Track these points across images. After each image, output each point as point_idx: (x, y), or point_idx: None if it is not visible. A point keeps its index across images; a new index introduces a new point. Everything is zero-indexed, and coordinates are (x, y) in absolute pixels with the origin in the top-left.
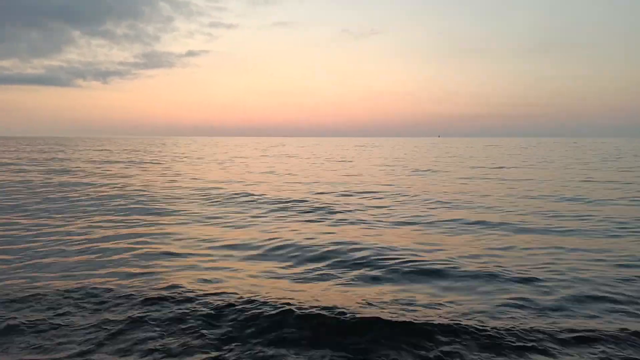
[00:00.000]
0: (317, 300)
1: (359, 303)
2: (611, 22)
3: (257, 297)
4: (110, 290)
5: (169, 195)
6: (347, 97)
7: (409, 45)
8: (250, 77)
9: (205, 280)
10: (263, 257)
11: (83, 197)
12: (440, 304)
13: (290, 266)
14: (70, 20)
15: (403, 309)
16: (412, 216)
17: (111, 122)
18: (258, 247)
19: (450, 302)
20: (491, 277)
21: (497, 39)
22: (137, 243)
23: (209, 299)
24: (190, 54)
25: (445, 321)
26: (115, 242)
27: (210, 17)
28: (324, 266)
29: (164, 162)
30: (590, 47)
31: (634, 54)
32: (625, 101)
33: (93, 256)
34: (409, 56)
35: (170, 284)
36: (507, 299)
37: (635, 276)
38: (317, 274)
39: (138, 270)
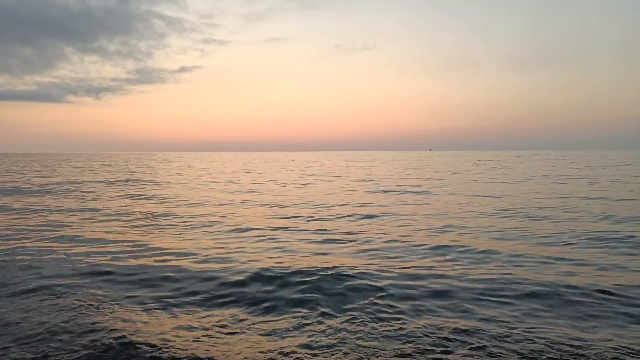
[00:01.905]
0: None
1: None
2: (602, 35)
3: None
4: None
5: None
6: (340, 112)
7: (401, 59)
8: (243, 92)
9: None
10: None
11: None
12: None
13: None
14: (64, 37)
15: None
16: None
17: (102, 137)
18: None
19: None
20: None
21: (488, 51)
22: None
23: None
24: (183, 69)
25: None
26: None
27: (203, 34)
28: None
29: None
30: (581, 59)
31: (626, 66)
32: (619, 113)
33: None
34: (401, 70)
35: None
36: None
37: None
38: None
39: None
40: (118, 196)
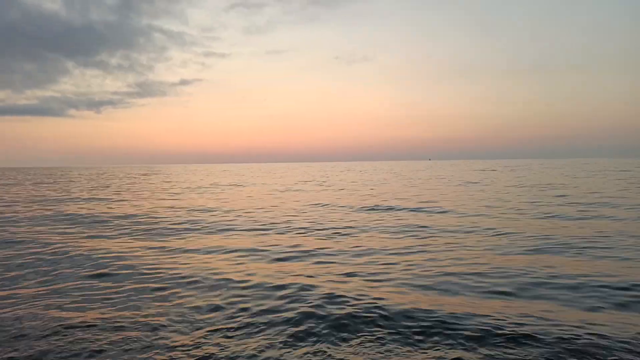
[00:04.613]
0: None
1: None
2: (598, 45)
3: None
4: None
5: None
6: (340, 122)
7: (400, 70)
8: (244, 104)
9: None
10: None
11: None
12: None
13: None
14: (65, 52)
15: None
16: None
17: (103, 151)
18: None
19: None
20: None
21: (486, 61)
22: None
23: None
24: (184, 82)
25: None
26: None
27: (203, 47)
28: None
29: None
30: (580, 68)
31: (622, 75)
32: (618, 122)
33: None
34: (400, 80)
35: None
36: None
37: None
38: None
39: None
40: None
